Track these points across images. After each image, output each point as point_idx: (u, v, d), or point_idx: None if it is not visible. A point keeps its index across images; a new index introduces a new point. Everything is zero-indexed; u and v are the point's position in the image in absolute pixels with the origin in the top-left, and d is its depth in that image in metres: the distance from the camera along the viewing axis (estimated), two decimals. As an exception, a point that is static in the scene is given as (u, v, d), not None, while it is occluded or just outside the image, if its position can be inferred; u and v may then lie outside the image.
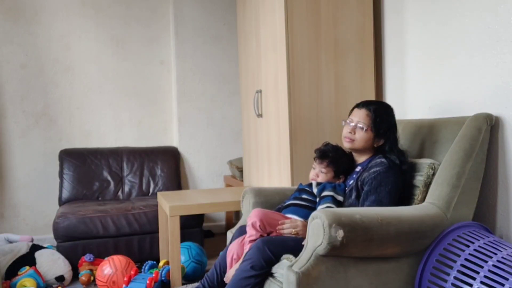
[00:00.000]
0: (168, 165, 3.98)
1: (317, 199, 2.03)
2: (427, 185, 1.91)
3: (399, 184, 1.91)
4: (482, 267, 1.57)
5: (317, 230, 1.55)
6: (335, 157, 2.10)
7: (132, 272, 2.57)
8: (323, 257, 1.56)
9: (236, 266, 1.88)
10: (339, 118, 2.49)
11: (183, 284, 2.61)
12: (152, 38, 4.17)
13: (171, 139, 4.26)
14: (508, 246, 1.66)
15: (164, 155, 4.02)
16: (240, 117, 3.60)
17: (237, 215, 4.19)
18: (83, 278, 2.82)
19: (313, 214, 1.61)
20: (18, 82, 3.81)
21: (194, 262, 2.89)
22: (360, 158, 2.07)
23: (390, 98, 2.71)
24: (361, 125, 1.99)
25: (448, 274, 1.64)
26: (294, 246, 1.78)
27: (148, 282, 2.42)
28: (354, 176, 2.03)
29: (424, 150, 2.14)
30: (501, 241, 1.71)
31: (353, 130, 2.01)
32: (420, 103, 2.47)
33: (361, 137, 1.99)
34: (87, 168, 3.78)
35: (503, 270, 1.53)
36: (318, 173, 2.11)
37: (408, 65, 2.55)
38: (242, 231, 2.06)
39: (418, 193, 1.93)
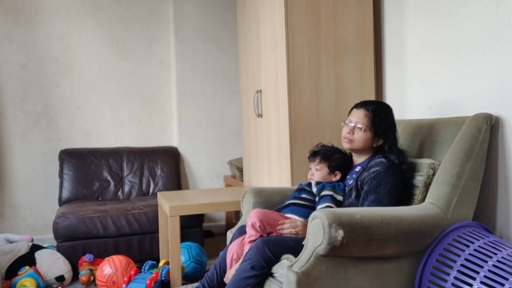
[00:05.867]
0: (168, 165, 3.98)
1: (317, 199, 2.04)
2: (427, 185, 1.91)
3: (398, 184, 1.91)
4: (482, 267, 1.57)
5: (317, 230, 1.55)
6: (326, 153, 2.13)
7: (132, 272, 2.57)
8: (323, 257, 1.56)
9: (236, 266, 1.88)
10: (339, 118, 2.49)
11: (183, 284, 2.61)
12: (152, 38, 4.17)
13: (171, 139, 4.26)
14: (508, 246, 1.66)
15: (164, 155, 4.02)
16: (240, 117, 3.60)
17: (237, 215, 4.19)
18: (83, 278, 2.82)
19: (313, 214, 1.61)
20: (18, 82, 3.80)
21: (194, 262, 2.89)
22: (360, 159, 2.07)
23: (390, 98, 2.71)
24: (359, 126, 1.99)
25: (448, 274, 1.64)
26: (294, 246, 1.78)
27: (148, 282, 2.42)
28: (354, 176, 2.03)
29: (424, 150, 2.14)
30: (501, 241, 1.71)
31: (352, 131, 2.01)
32: (420, 103, 2.47)
33: (360, 137, 1.99)
34: (87, 168, 3.78)
35: (503, 270, 1.53)
36: (313, 172, 2.14)
37: (408, 65, 2.55)
38: (242, 231, 2.06)
39: (418, 193, 1.93)
